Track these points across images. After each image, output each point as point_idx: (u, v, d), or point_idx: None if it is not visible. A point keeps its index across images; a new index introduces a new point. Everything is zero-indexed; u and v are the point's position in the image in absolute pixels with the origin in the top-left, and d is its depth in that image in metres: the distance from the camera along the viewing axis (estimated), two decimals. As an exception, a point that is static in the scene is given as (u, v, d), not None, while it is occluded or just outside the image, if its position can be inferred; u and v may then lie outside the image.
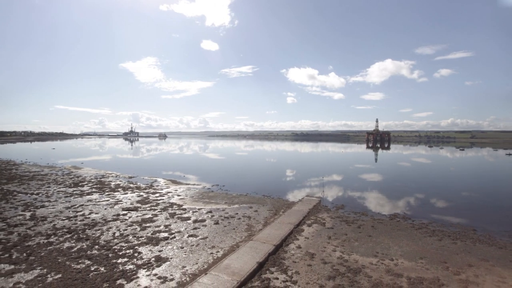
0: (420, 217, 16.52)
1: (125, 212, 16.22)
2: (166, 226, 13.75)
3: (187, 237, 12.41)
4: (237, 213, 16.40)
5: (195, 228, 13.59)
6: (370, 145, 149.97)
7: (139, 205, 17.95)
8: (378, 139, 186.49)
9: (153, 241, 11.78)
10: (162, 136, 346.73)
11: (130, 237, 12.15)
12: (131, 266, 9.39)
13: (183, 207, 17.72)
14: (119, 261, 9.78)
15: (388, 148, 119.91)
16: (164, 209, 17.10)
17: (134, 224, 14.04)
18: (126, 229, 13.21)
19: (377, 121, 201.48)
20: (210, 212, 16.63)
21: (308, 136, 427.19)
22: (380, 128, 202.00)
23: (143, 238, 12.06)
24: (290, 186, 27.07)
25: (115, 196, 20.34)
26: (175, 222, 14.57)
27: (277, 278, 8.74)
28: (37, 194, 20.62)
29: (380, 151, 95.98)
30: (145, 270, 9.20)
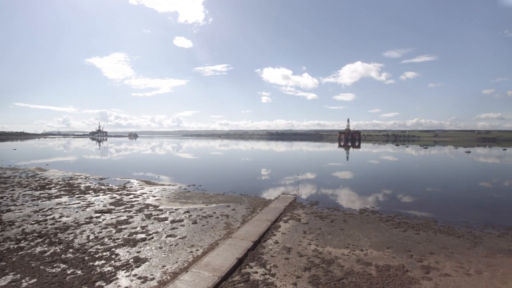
0: (387, 211, 17.69)
1: (98, 214, 15.79)
2: (143, 228, 13.62)
3: (166, 237, 12.41)
4: (215, 212, 16.56)
5: (173, 228, 13.60)
6: (342, 144, 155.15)
7: (112, 207, 17.53)
8: (350, 138, 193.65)
9: (130, 242, 11.66)
10: (133, 136, 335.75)
11: (106, 240, 11.94)
12: (110, 268, 9.30)
13: (160, 207, 17.57)
14: (96, 263, 9.64)
15: (358, 147, 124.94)
16: (140, 210, 16.86)
17: (109, 226, 13.76)
18: (101, 232, 12.93)
19: (348, 121, 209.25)
20: (188, 212, 16.65)
21: (282, 135, 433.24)
22: (351, 128, 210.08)
23: (119, 240, 11.89)
24: (266, 184, 27.60)
25: (86, 199, 19.67)
26: (152, 223, 14.46)
27: (257, 272, 9.10)
28: (1, 198, 19.41)
29: (351, 149, 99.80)
30: (124, 271, 9.16)
